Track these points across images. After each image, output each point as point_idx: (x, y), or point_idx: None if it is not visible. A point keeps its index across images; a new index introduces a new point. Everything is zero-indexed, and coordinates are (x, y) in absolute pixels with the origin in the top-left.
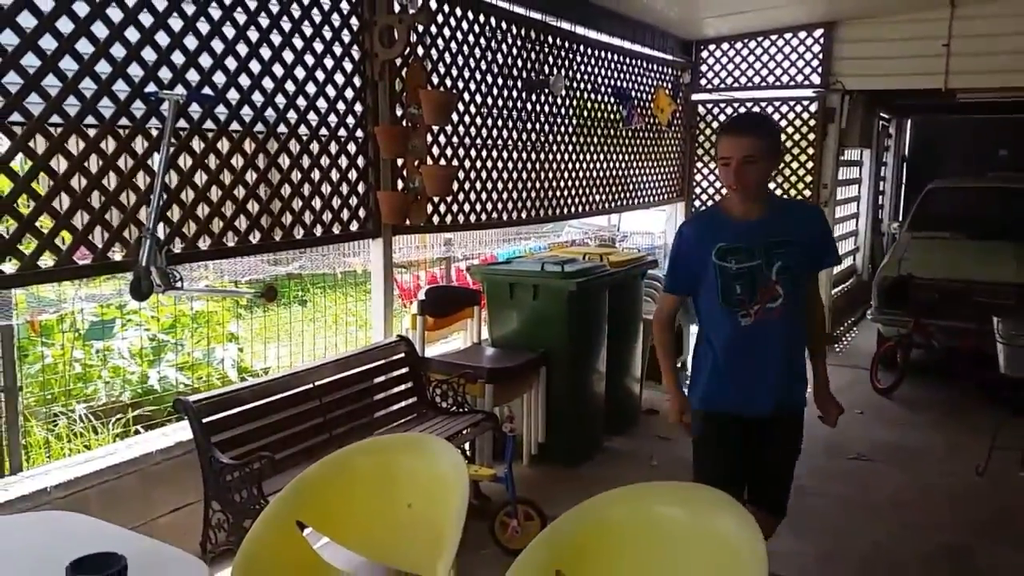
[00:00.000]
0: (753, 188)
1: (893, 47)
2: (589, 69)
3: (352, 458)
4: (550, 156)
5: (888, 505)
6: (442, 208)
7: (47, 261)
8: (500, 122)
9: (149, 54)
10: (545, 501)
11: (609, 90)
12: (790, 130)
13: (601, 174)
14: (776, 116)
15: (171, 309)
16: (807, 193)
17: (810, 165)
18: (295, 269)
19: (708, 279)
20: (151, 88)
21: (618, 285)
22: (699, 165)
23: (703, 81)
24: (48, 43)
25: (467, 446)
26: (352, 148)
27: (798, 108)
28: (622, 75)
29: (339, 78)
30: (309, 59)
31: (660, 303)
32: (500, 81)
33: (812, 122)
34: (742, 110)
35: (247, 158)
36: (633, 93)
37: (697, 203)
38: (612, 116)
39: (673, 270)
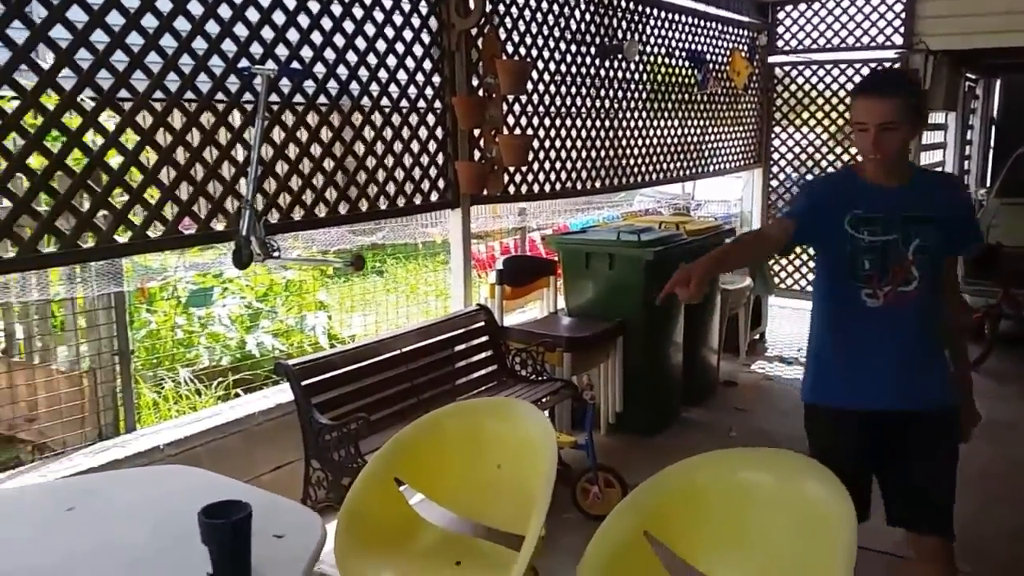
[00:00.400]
0: (893, 157)
1: (981, 3)
2: (662, 33)
3: (441, 421)
4: (624, 123)
5: (976, 479)
6: (517, 178)
7: (155, 231)
8: (574, 90)
9: (241, 30)
10: (623, 469)
11: (683, 54)
12: None
13: (675, 140)
14: (857, 79)
15: (264, 278)
16: None
17: None
18: (378, 239)
19: (834, 248)
20: (244, 63)
21: (695, 254)
22: (777, 130)
23: (780, 43)
24: (149, 22)
25: (546, 414)
26: (431, 119)
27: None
28: (696, 38)
29: (417, 50)
30: (389, 32)
31: (766, 225)
32: (573, 48)
33: None
34: (820, 72)
35: (334, 131)
36: (708, 56)
37: (775, 169)
38: (686, 80)
39: (800, 204)
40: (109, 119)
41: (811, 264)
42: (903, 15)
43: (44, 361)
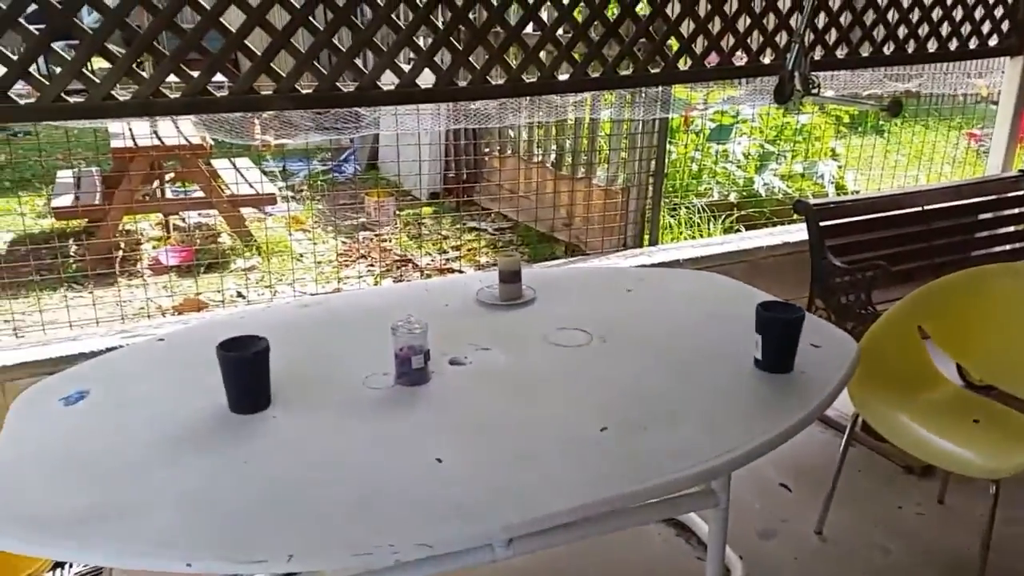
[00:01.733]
0: None
1: None
2: None
3: (986, 278)
4: None
5: None
6: None
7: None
8: None
9: None
10: None
11: None
12: None
13: None
14: None
15: (776, 121)
16: None
17: None
18: (912, 87)
19: None
20: None
21: None
22: None
23: None
24: None
25: None
26: None
27: None
28: None
29: None
30: None
31: None
32: None
33: None
34: None
35: None
36: None
37: None
38: None
39: None
40: None
41: None
42: None
43: (586, 176)
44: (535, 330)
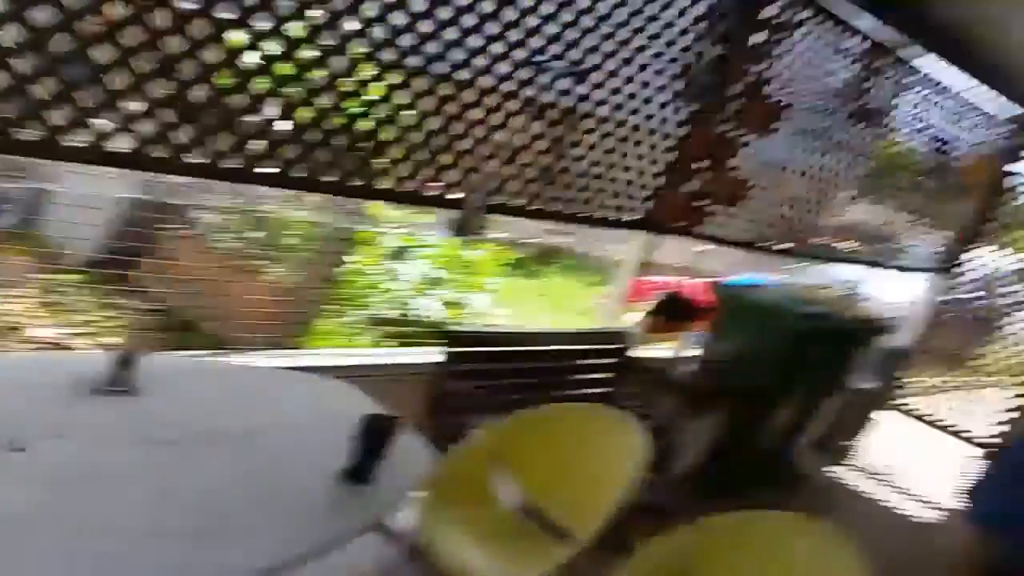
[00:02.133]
0: None
1: None
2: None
3: (555, 416)
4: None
5: None
6: (720, 219)
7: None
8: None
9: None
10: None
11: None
12: None
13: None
14: None
15: (454, 251)
16: None
17: None
18: (564, 243)
19: None
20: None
21: (844, 340)
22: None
23: None
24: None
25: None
26: (665, 144)
27: None
28: (947, 122)
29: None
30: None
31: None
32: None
33: None
34: None
35: (586, 134)
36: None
37: (963, 280)
38: (908, 163)
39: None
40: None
41: None
42: None
43: (259, 270)
44: (124, 423)
